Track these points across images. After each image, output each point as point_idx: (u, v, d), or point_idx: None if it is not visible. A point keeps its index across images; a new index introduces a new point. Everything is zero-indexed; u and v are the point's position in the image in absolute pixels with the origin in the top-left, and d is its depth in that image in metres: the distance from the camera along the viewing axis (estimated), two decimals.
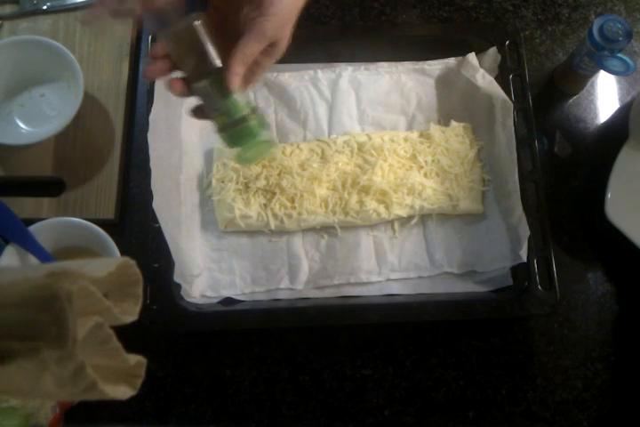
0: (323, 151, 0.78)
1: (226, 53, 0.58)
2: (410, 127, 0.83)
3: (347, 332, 0.76)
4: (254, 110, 0.62)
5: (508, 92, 0.78)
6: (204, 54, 0.58)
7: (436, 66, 0.84)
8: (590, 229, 0.80)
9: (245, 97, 0.61)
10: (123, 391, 0.38)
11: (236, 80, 0.58)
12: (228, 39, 0.58)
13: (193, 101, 0.61)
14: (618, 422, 0.75)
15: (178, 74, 0.60)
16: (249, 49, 0.57)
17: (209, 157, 0.80)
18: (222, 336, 0.75)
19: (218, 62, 0.58)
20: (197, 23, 0.57)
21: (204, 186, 0.79)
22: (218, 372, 0.75)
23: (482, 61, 0.81)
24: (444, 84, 0.83)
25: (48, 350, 0.34)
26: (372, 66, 0.84)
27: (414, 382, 0.75)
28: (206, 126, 0.82)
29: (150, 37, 0.80)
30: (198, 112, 0.63)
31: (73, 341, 0.34)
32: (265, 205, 0.76)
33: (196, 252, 0.76)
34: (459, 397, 0.74)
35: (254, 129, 0.61)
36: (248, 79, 0.60)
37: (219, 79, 0.58)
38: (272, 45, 0.59)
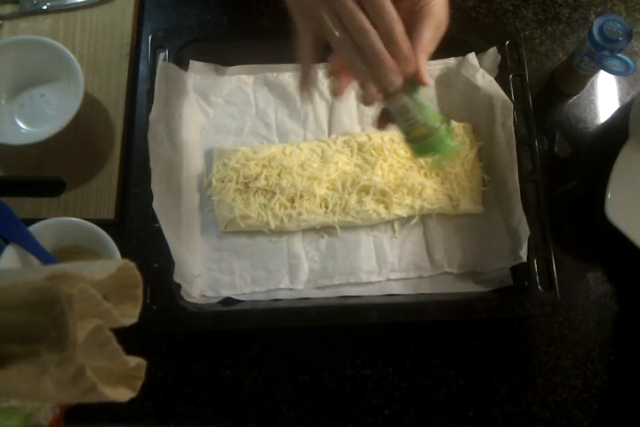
0: (323, 151, 0.78)
1: None
2: None
3: (347, 332, 0.76)
4: (443, 118, 0.62)
5: (508, 92, 0.78)
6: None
7: (435, 66, 0.83)
8: (590, 229, 0.80)
9: (434, 106, 0.61)
10: (123, 393, 0.38)
11: (427, 76, 0.57)
12: None
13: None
14: (618, 422, 0.75)
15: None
16: (429, 39, 0.57)
17: (209, 157, 0.80)
18: (222, 336, 0.75)
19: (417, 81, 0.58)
20: None
21: (204, 186, 0.79)
22: (218, 372, 0.75)
23: (482, 61, 0.81)
24: (444, 84, 0.83)
25: (48, 353, 0.34)
26: None
27: (414, 382, 0.75)
28: (206, 126, 0.82)
29: (151, 38, 0.79)
30: (383, 121, 0.63)
31: (73, 343, 0.34)
32: (265, 205, 0.76)
33: (196, 252, 0.76)
34: (459, 397, 0.75)
35: (445, 138, 0.62)
36: None
37: (415, 93, 0.58)
38: (437, 29, 0.59)
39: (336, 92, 0.61)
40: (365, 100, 0.58)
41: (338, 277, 0.76)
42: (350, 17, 0.53)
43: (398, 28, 0.54)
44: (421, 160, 0.77)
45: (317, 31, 0.58)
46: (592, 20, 0.88)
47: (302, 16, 0.60)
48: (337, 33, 0.55)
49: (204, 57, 0.81)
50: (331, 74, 0.61)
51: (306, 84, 0.63)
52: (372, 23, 0.53)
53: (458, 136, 0.79)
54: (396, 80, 0.55)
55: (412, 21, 0.57)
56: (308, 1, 0.56)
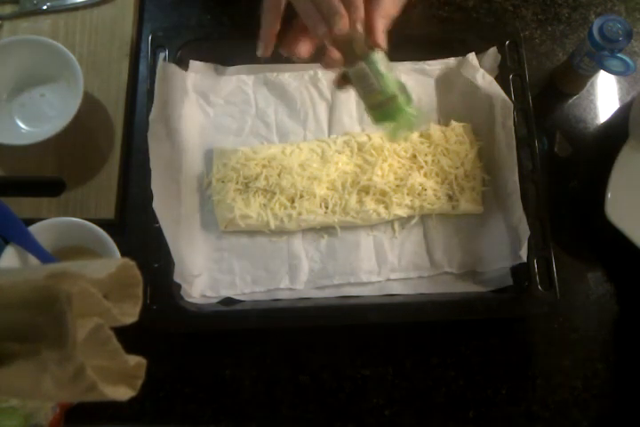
0: (323, 151, 0.78)
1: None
2: None
3: (347, 332, 0.76)
4: (403, 87, 0.63)
5: (508, 92, 0.78)
6: (358, 38, 0.59)
7: (435, 66, 0.83)
8: (590, 229, 0.80)
9: (394, 75, 0.63)
10: (123, 392, 0.38)
11: (382, 38, 0.59)
12: None
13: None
14: (618, 422, 0.75)
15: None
16: (389, 2, 0.59)
17: (209, 157, 0.80)
18: (222, 336, 0.75)
19: (373, 44, 0.60)
20: None
21: (203, 186, 0.79)
22: (218, 372, 0.75)
23: (482, 61, 0.81)
24: (444, 84, 0.83)
25: (48, 352, 0.34)
26: None
27: (414, 382, 0.75)
28: (206, 126, 0.82)
29: (150, 38, 0.79)
30: (341, 84, 0.65)
31: (73, 342, 0.34)
32: (265, 205, 0.76)
33: (196, 252, 0.76)
34: (459, 397, 0.75)
35: (404, 106, 0.63)
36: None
37: (373, 60, 0.60)
38: None
39: (300, 56, 0.62)
40: (326, 62, 0.60)
41: (338, 278, 0.76)
42: None
43: None
44: (420, 160, 0.77)
45: None
46: (592, 20, 0.88)
47: None
48: None
49: (204, 57, 0.81)
50: (288, 43, 0.63)
51: (268, 39, 0.64)
52: None
53: (458, 136, 0.79)
54: (343, 25, 0.56)
55: None
56: None
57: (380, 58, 0.61)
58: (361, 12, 0.57)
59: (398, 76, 0.63)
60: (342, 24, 0.56)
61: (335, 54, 0.59)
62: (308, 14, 0.58)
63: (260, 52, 0.65)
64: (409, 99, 0.64)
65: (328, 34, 0.58)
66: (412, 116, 0.64)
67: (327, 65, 0.60)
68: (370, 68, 0.60)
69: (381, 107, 0.63)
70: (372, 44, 0.60)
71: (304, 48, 0.62)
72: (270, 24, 0.63)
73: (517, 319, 0.77)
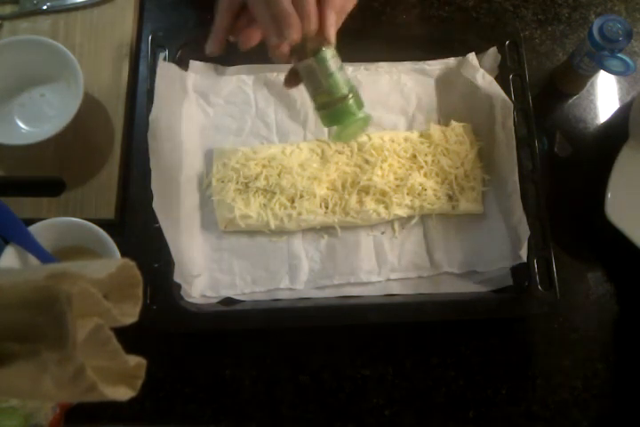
0: (323, 151, 0.78)
1: None
2: (410, 127, 0.82)
3: (347, 332, 0.76)
4: (352, 89, 0.61)
5: (508, 92, 0.78)
6: (307, 33, 0.58)
7: (435, 66, 0.84)
8: (590, 229, 0.80)
9: (345, 75, 0.61)
10: (123, 393, 0.38)
11: (333, 31, 0.58)
12: None
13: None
14: (618, 422, 0.75)
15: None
16: None
17: (209, 157, 0.80)
18: (222, 336, 0.75)
19: (323, 39, 0.58)
20: None
21: (203, 186, 0.79)
22: (218, 372, 0.75)
23: (482, 61, 0.81)
24: (444, 84, 0.83)
25: (48, 352, 0.34)
26: (372, 66, 0.84)
27: (414, 382, 0.75)
28: (206, 126, 0.82)
29: (150, 38, 0.79)
30: (291, 81, 0.64)
31: (73, 343, 0.34)
32: (265, 205, 0.76)
33: (196, 252, 0.76)
34: (459, 397, 0.75)
35: (352, 108, 0.61)
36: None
37: (323, 57, 0.58)
38: None
39: (246, 44, 0.61)
40: (273, 55, 0.58)
41: (338, 277, 0.76)
42: None
43: None
44: (420, 160, 0.77)
45: None
46: (592, 20, 0.88)
47: None
48: None
49: (203, 57, 0.81)
50: (236, 30, 0.62)
51: (219, 38, 0.63)
52: None
53: (458, 136, 0.79)
54: (293, 34, 0.55)
55: None
56: None
57: (330, 56, 0.59)
58: (310, 10, 0.56)
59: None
60: (292, 35, 0.55)
61: (283, 47, 0.57)
62: (262, 18, 0.57)
63: (208, 50, 0.64)
64: (359, 102, 0.62)
65: (279, 43, 0.57)
66: (361, 120, 0.62)
67: (275, 58, 0.59)
68: (319, 66, 0.58)
69: (329, 108, 0.61)
70: (321, 40, 0.58)
71: (251, 37, 0.61)
72: (223, 22, 0.62)
73: (517, 319, 0.77)
